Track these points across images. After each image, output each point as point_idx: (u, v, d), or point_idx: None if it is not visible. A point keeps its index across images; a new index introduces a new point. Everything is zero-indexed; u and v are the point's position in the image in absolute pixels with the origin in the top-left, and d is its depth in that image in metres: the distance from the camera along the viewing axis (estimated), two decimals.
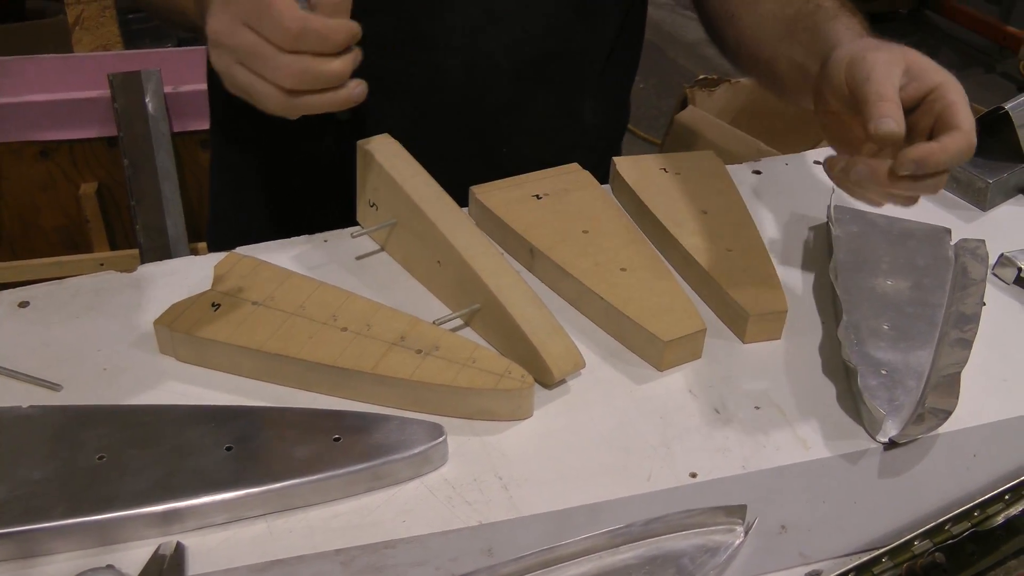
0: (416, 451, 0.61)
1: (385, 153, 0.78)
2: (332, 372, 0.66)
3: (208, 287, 0.72)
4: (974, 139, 0.65)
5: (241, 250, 0.78)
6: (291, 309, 0.69)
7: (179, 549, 0.56)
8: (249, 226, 0.91)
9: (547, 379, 0.69)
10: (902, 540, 0.40)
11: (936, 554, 0.42)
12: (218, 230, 1.02)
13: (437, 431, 0.62)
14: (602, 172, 0.91)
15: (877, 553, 0.40)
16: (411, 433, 0.62)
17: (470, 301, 0.73)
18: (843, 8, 0.79)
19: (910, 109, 0.67)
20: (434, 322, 0.71)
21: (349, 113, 0.68)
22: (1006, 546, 0.45)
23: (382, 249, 0.81)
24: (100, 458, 0.58)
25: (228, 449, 0.60)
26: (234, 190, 0.98)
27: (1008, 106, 1.00)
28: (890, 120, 0.64)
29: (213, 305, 0.69)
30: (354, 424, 0.62)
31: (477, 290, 0.72)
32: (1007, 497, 0.42)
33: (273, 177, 0.95)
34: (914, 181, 0.66)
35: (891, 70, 0.67)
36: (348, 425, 0.62)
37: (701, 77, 1.74)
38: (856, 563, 0.39)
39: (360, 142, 0.79)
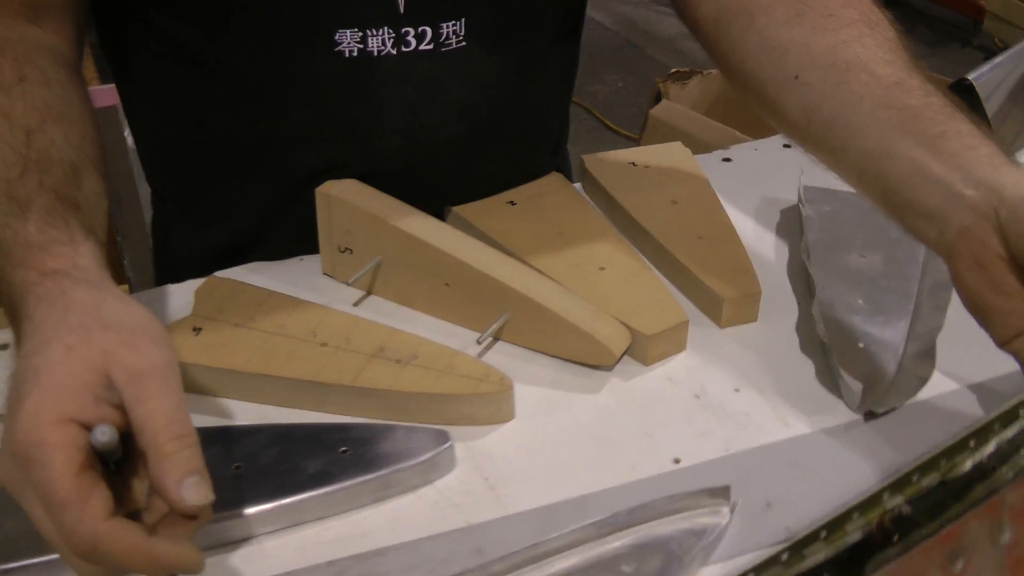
0: (424, 458, 0.62)
1: (354, 194, 0.77)
2: (314, 387, 0.67)
3: (189, 312, 0.73)
4: None
5: (221, 273, 0.79)
6: (271, 328, 0.70)
7: None
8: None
9: (607, 359, 0.71)
10: (871, 494, 0.41)
11: (904, 507, 0.43)
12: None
13: (443, 437, 0.63)
14: None
15: (847, 509, 0.41)
16: (417, 441, 0.63)
17: (494, 313, 0.73)
18: (955, 109, 0.64)
19: None
20: (477, 341, 0.72)
21: None
22: (975, 492, 0.46)
23: (368, 294, 0.79)
24: None
25: (237, 468, 0.61)
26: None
27: (972, 76, 1.01)
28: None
29: (194, 329, 0.70)
30: (360, 436, 0.63)
31: (503, 299, 0.73)
32: (972, 444, 0.43)
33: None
34: None
35: None
36: (354, 437, 0.63)
37: (673, 71, 1.75)
38: (826, 520, 0.39)
39: (319, 189, 0.77)
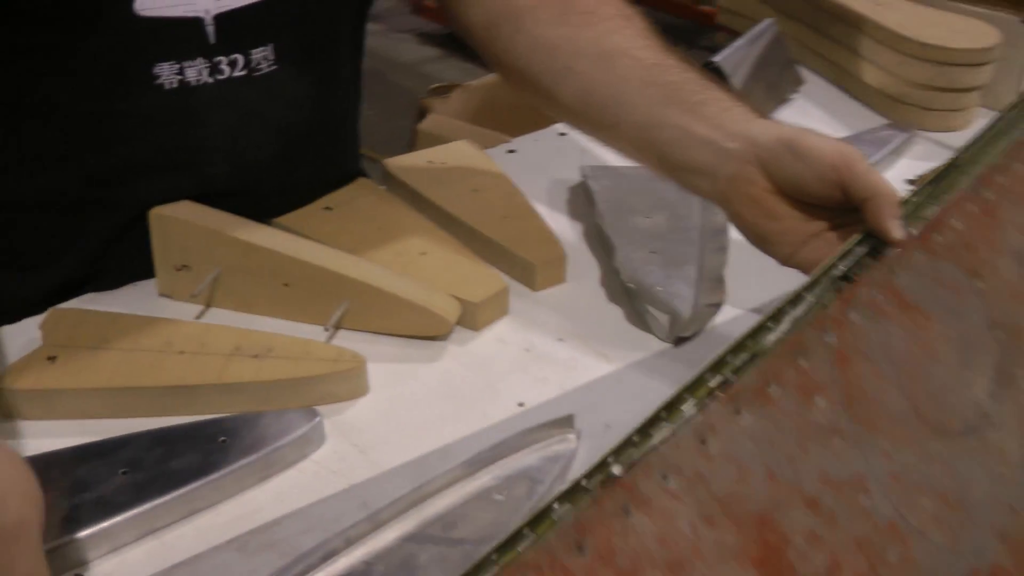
0: (298, 434, 0.68)
1: (187, 212, 0.82)
2: (181, 392, 0.71)
3: (37, 347, 0.75)
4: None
5: (60, 306, 0.81)
6: (127, 346, 0.74)
7: None
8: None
9: (443, 329, 0.79)
10: (695, 377, 0.49)
11: (727, 377, 0.52)
12: None
13: (312, 414, 0.69)
14: None
15: (679, 392, 0.48)
16: (288, 422, 0.68)
17: (334, 305, 0.79)
18: (709, 81, 0.75)
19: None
20: (325, 329, 0.78)
21: None
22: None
23: (208, 308, 0.83)
24: None
25: (124, 473, 0.64)
26: None
27: (716, 58, 1.15)
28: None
29: (49, 359, 0.73)
30: (235, 426, 0.68)
31: (341, 289, 0.79)
32: (770, 324, 0.52)
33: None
34: None
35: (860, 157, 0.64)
36: (229, 427, 0.68)
37: (434, 86, 1.83)
38: (663, 404, 0.47)
39: (153, 211, 0.81)
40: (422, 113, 1.91)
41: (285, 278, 0.80)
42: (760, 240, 0.70)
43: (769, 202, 0.68)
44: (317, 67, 0.89)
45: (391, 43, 4.07)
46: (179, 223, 0.80)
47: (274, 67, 0.84)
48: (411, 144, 1.96)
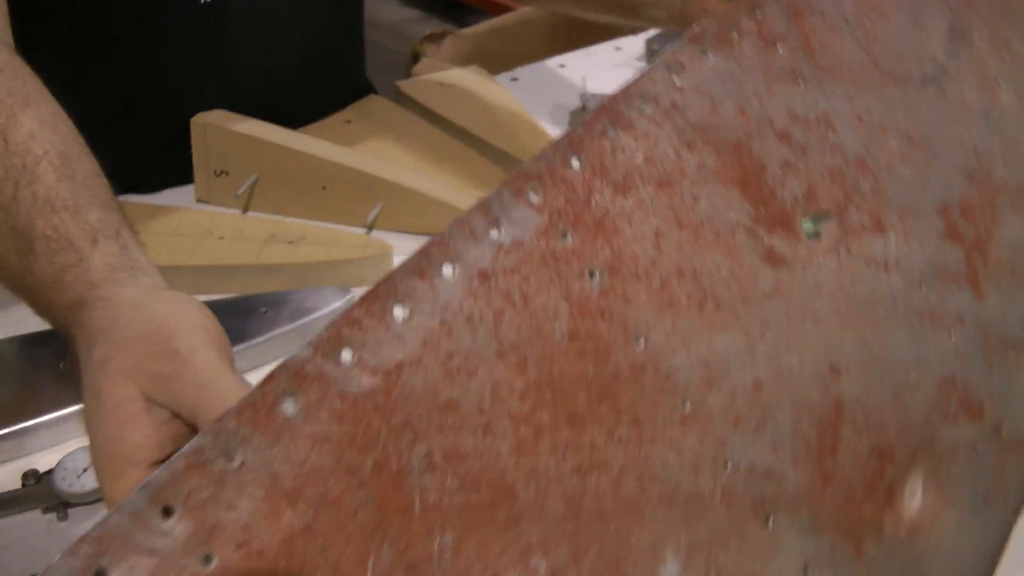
0: (335, 306, 0.74)
1: (226, 120, 0.86)
2: (220, 271, 0.77)
3: None
4: None
5: None
6: (168, 231, 0.79)
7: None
8: None
9: None
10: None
11: None
12: None
13: (344, 291, 0.75)
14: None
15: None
16: (324, 297, 0.74)
17: (368, 206, 0.84)
18: None
19: None
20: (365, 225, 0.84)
21: None
22: None
23: (245, 211, 0.87)
24: None
25: None
26: None
27: None
28: None
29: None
30: (275, 299, 0.74)
31: (376, 191, 0.84)
32: None
33: None
34: None
35: None
36: (269, 301, 0.73)
37: (428, 33, 1.86)
38: None
39: (194, 119, 0.85)
40: (415, 58, 1.94)
41: (323, 181, 0.85)
42: None
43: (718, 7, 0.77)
44: None
45: (372, 4, 4.09)
46: (219, 131, 0.86)
47: None
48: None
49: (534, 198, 0.43)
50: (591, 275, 0.43)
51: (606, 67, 1.19)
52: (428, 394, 0.39)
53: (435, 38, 1.90)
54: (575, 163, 0.44)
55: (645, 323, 0.45)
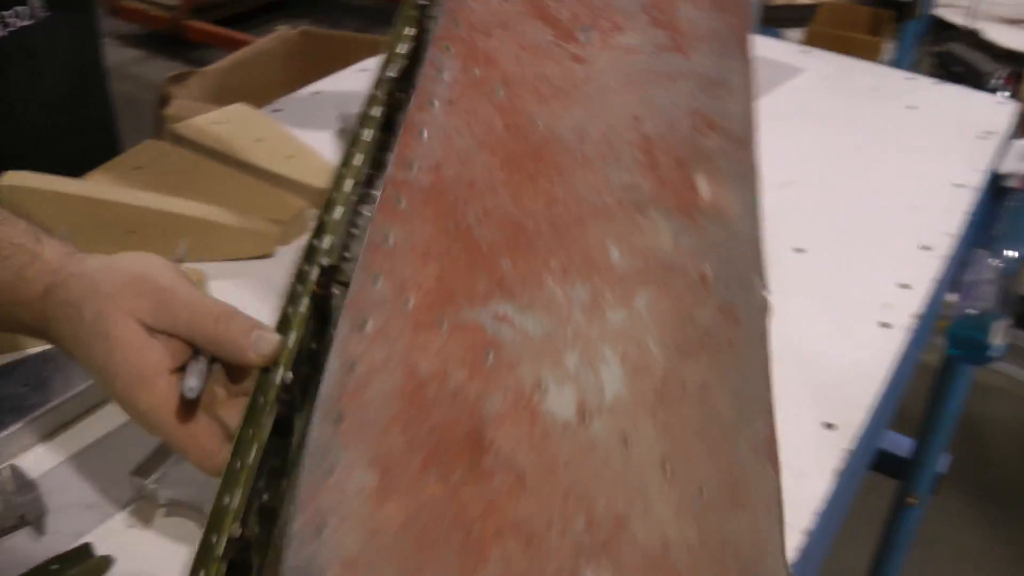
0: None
1: (29, 180, 0.92)
2: None
3: None
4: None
5: None
6: None
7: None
8: None
9: (268, 247, 1.03)
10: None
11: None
12: None
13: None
14: None
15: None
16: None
17: (176, 243, 0.89)
18: None
19: None
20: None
21: None
22: None
23: None
24: None
25: None
26: None
27: None
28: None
29: None
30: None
31: (182, 228, 0.95)
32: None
33: None
34: None
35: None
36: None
37: (172, 74, 1.85)
38: None
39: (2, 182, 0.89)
40: (163, 101, 1.88)
41: (129, 226, 0.94)
42: None
43: None
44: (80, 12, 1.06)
45: None
46: (25, 191, 0.91)
47: (47, 13, 0.98)
48: (158, 130, 1.84)
49: (451, 49, 0.69)
50: (498, 91, 0.70)
51: (358, 89, 1.37)
52: (460, 178, 0.64)
53: (181, 78, 1.92)
54: (462, 27, 0.71)
55: (536, 112, 0.71)
